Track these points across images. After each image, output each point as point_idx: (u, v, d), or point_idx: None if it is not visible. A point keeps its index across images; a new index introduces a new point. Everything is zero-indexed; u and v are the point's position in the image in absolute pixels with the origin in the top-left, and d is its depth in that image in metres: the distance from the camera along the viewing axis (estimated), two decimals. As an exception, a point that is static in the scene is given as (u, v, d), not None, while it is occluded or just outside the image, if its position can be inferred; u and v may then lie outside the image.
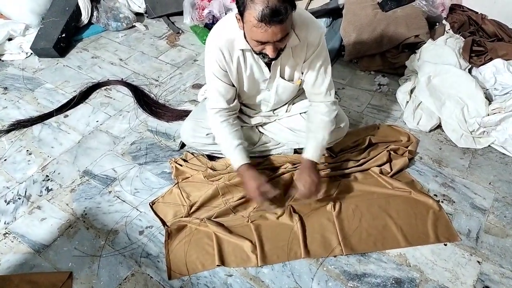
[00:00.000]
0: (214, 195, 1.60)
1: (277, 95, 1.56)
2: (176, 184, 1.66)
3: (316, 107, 1.54)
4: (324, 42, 1.42)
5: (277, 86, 1.52)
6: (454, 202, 1.60)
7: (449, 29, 2.34)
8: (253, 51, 1.30)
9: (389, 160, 1.73)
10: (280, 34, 1.17)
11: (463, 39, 2.15)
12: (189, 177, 1.68)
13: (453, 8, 2.41)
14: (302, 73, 1.50)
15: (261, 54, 1.28)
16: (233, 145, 1.48)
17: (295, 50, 1.40)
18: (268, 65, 1.44)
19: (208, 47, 1.40)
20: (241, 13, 1.17)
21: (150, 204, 1.59)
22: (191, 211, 1.55)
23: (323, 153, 1.55)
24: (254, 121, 1.71)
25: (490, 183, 1.68)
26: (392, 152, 1.76)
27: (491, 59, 2.01)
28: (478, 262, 1.40)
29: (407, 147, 1.79)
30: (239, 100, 1.65)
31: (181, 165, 1.72)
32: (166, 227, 1.50)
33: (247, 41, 1.28)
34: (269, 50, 1.22)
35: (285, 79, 1.50)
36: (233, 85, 1.48)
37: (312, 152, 1.49)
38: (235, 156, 1.48)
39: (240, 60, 1.41)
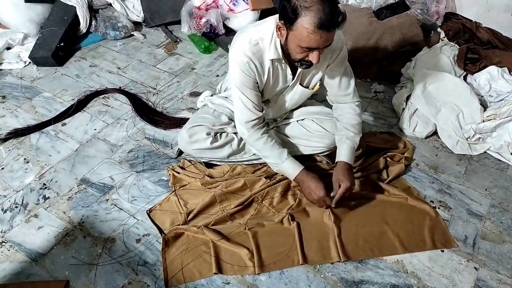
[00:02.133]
0: (211, 202, 1.60)
1: (291, 101, 1.59)
2: (173, 191, 1.66)
3: (346, 109, 1.58)
4: (345, 46, 1.47)
5: (294, 93, 1.55)
6: (450, 208, 1.61)
7: (444, 37, 2.37)
8: (286, 60, 1.33)
9: (386, 167, 1.73)
10: (331, 40, 1.22)
11: (458, 47, 2.18)
12: (186, 185, 1.69)
13: (448, 16, 2.45)
14: (321, 79, 1.54)
15: (300, 61, 1.30)
16: (283, 156, 1.50)
17: None
18: (293, 72, 1.46)
19: (237, 58, 1.38)
20: (291, 21, 1.18)
21: (147, 212, 1.59)
22: (189, 218, 1.55)
23: (355, 155, 1.57)
24: None
25: (486, 189, 1.69)
26: (388, 159, 1.77)
27: (485, 66, 2.03)
28: (475, 268, 1.41)
29: (403, 154, 1.80)
30: None
31: (178, 173, 1.72)
32: (163, 235, 1.50)
33: (285, 49, 1.30)
34: (314, 56, 1.25)
35: (303, 86, 1.53)
36: (260, 93, 1.50)
37: (346, 154, 1.51)
38: (288, 167, 1.49)
39: (270, 70, 1.42)
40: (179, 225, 1.53)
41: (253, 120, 1.48)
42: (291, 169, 1.50)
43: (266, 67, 1.41)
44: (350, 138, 1.53)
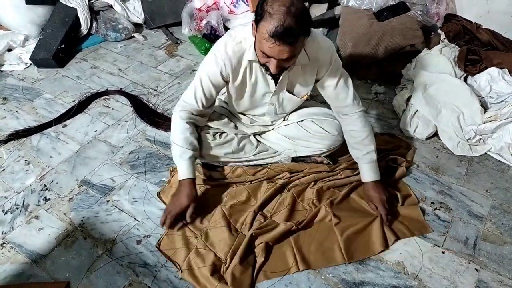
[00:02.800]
0: (220, 217, 1.55)
1: (281, 107, 1.58)
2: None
3: (350, 125, 1.56)
4: (337, 57, 1.44)
5: (282, 99, 1.54)
6: (451, 210, 1.61)
7: (444, 38, 2.37)
8: (258, 61, 1.32)
9: (388, 171, 1.72)
10: (286, 54, 1.19)
11: (458, 48, 2.18)
12: None
13: (448, 18, 2.44)
14: (315, 89, 1.52)
15: (264, 66, 1.30)
16: (185, 155, 1.48)
17: (305, 68, 1.40)
18: (275, 79, 1.45)
19: (217, 51, 1.39)
20: (257, 22, 1.19)
21: (156, 246, 1.47)
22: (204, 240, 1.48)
23: (377, 167, 1.58)
24: (251, 130, 1.72)
25: (487, 191, 1.69)
26: (390, 163, 1.76)
27: (486, 68, 2.03)
28: (476, 269, 1.40)
29: (404, 156, 1.80)
30: (239, 110, 1.66)
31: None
32: (178, 270, 1.40)
33: (255, 50, 1.30)
34: (271, 65, 1.24)
35: (292, 93, 1.52)
36: (215, 96, 1.50)
37: (369, 173, 1.55)
38: (182, 168, 1.48)
39: (247, 71, 1.42)
40: (196, 248, 1.45)
41: (190, 107, 1.49)
42: (182, 170, 1.48)
43: (243, 67, 1.41)
44: (364, 156, 1.55)
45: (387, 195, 1.55)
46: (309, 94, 1.54)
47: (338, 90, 1.49)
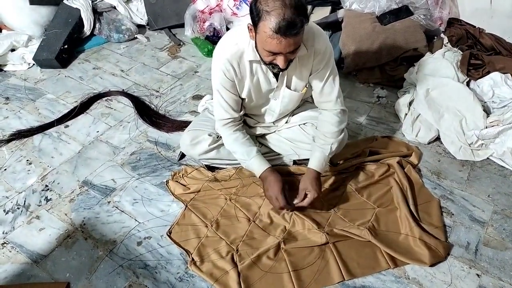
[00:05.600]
0: (229, 209, 1.58)
1: (282, 105, 1.58)
2: (185, 207, 1.61)
3: (325, 117, 1.57)
4: (332, 51, 1.46)
5: (283, 96, 1.54)
6: (453, 214, 1.60)
7: (447, 43, 2.37)
8: (262, 61, 1.33)
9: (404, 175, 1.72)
10: (293, 46, 1.21)
11: (461, 53, 2.17)
12: (191, 193, 1.65)
13: (451, 22, 2.44)
14: (308, 82, 1.52)
15: (270, 64, 1.30)
16: (251, 153, 1.52)
17: (301, 60, 1.42)
18: (276, 75, 1.46)
19: (216, 58, 1.42)
20: (255, 23, 1.19)
21: (167, 233, 1.52)
22: (214, 229, 1.51)
23: (327, 164, 1.57)
24: (254, 131, 1.72)
25: (489, 196, 1.68)
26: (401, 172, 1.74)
27: (488, 73, 2.02)
28: (477, 275, 1.40)
29: (408, 158, 1.81)
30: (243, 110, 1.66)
31: (183, 185, 1.69)
32: (190, 258, 1.42)
33: (257, 51, 1.31)
34: (280, 61, 1.25)
35: (290, 89, 1.52)
36: (239, 96, 1.51)
37: (317, 162, 1.52)
38: (255, 164, 1.51)
39: (248, 72, 1.43)
40: (207, 236, 1.48)
41: (226, 119, 1.52)
42: (257, 166, 1.51)
43: (247, 68, 1.42)
44: (321, 146, 1.54)
45: (320, 193, 1.51)
46: (307, 86, 1.54)
47: (326, 84, 1.50)
